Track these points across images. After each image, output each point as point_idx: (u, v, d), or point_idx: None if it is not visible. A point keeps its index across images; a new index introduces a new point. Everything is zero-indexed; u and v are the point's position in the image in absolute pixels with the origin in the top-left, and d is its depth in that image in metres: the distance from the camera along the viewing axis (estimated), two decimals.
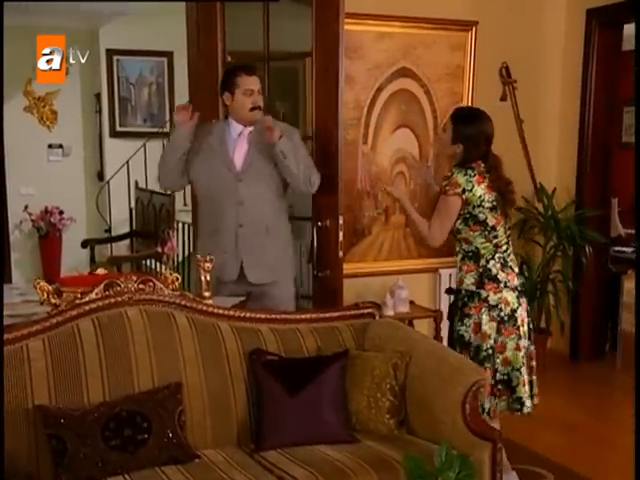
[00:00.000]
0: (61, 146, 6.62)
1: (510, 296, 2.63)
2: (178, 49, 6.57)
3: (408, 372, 2.28)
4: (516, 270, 2.71)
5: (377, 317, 2.60)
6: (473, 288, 2.64)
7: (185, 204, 6.07)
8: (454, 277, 4.11)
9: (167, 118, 6.73)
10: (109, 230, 6.16)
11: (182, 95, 6.53)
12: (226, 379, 2.27)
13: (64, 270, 6.52)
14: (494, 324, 2.60)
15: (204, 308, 2.38)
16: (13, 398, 1.99)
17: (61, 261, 6.60)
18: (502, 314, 2.61)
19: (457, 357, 2.31)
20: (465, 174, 2.61)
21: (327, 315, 2.54)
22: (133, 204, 6.04)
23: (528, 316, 2.70)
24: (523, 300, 2.68)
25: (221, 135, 2.98)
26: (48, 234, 6.57)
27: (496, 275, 2.63)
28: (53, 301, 2.25)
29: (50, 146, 6.66)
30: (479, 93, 4.00)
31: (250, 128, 2.98)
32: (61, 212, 6.56)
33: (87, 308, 2.20)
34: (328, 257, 3.07)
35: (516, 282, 2.66)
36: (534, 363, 2.68)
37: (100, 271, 2.45)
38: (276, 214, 3.00)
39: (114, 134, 6.55)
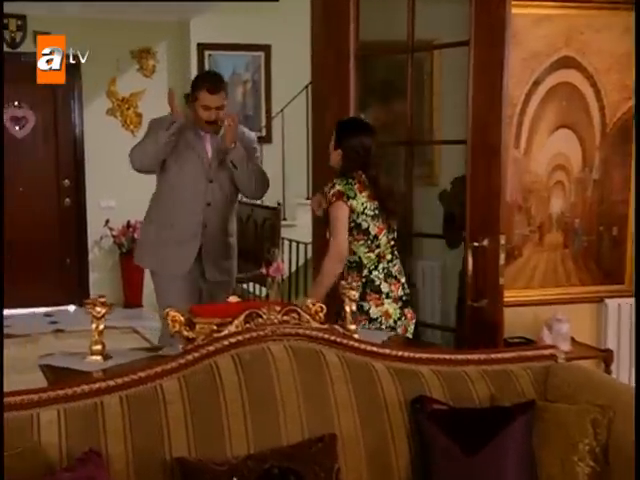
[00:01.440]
0: None
1: (392, 308, 3.03)
2: (276, 42, 6.68)
3: (612, 430, 2.13)
4: (402, 280, 3.12)
5: (560, 359, 2.46)
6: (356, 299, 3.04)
7: (285, 218, 6.10)
8: (623, 308, 3.93)
9: (263, 123, 6.80)
10: None
11: (279, 94, 6.62)
12: (385, 431, 2.19)
13: (147, 292, 6.66)
14: None
15: (356, 345, 2.31)
16: (149, 446, 1.97)
17: (144, 281, 6.74)
18: (382, 327, 2.97)
19: None
20: (346, 183, 3.01)
21: (499, 356, 2.43)
22: None
23: (417, 326, 3.12)
24: (408, 310, 3.09)
25: (194, 131, 3.52)
26: (131, 251, 6.72)
27: (379, 285, 3.03)
28: (186, 334, 2.24)
29: None
30: None
31: None
32: None
33: (226, 343, 2.17)
34: (485, 284, 2.98)
35: (400, 292, 3.08)
36: None
37: (232, 299, 2.43)
38: (232, 217, 3.68)
39: None
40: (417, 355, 2.36)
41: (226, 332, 2.19)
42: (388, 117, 4.86)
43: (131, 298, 6.81)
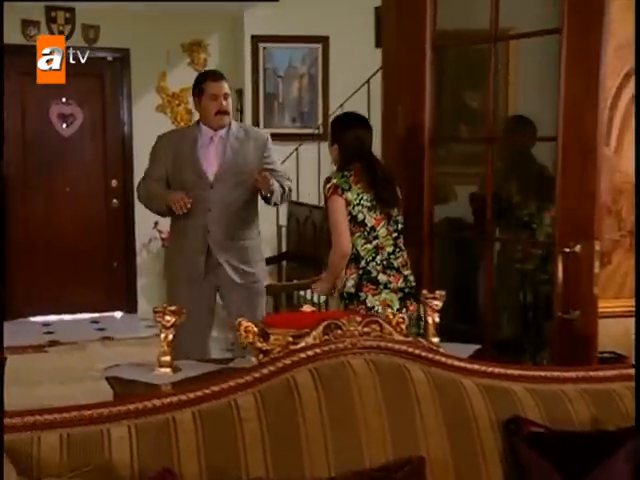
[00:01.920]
0: None
1: (390, 297, 3.16)
2: (335, 33, 6.64)
3: None
4: (405, 272, 3.23)
5: None
6: (353, 290, 3.18)
7: None
8: None
9: (320, 120, 6.76)
10: None
11: (338, 89, 6.57)
12: (476, 453, 2.12)
13: None
14: None
15: (442, 359, 2.24)
16: (224, 466, 1.93)
17: None
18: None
19: None
20: (342, 176, 3.23)
21: (600, 374, 2.33)
22: (284, 221, 6.09)
23: (419, 319, 3.06)
24: (410, 302, 3.20)
25: (193, 141, 3.73)
26: None
27: (376, 277, 3.17)
28: (259, 345, 2.21)
29: None
30: None
31: (220, 132, 3.72)
32: None
33: (304, 356, 2.12)
34: (578, 294, 2.88)
35: (400, 284, 3.19)
36: None
37: (306, 308, 2.39)
38: (245, 220, 3.77)
39: None
40: (509, 371, 2.28)
41: (303, 344, 2.14)
42: (460, 110, 4.78)
43: None
